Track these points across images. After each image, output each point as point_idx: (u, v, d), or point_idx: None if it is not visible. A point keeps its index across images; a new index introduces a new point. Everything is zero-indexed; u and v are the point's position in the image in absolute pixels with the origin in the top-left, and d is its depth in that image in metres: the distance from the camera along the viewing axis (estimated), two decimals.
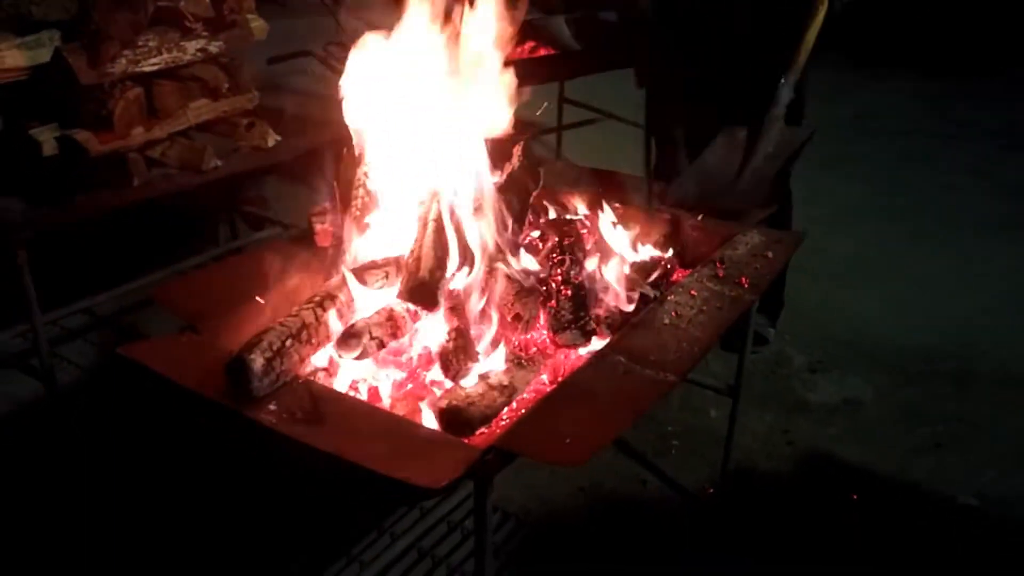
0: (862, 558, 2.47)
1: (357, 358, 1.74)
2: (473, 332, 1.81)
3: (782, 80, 2.61)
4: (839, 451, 2.92)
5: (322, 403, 1.60)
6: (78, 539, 2.39)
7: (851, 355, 3.43)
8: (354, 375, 1.81)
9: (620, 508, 2.68)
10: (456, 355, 1.76)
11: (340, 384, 1.78)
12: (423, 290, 1.80)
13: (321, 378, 1.78)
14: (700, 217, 2.35)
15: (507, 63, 1.99)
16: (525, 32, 4.28)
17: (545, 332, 1.88)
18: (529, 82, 4.30)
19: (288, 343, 1.64)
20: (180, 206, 3.44)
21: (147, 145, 2.65)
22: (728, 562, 2.44)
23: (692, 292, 1.96)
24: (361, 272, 1.88)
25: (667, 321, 1.85)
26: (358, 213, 2.06)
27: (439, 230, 1.84)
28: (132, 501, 2.46)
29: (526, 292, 1.83)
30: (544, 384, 1.80)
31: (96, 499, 2.50)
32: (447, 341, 1.78)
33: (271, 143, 2.88)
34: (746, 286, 1.99)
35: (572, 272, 1.90)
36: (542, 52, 4.20)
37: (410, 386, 1.80)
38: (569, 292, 1.86)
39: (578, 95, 4.95)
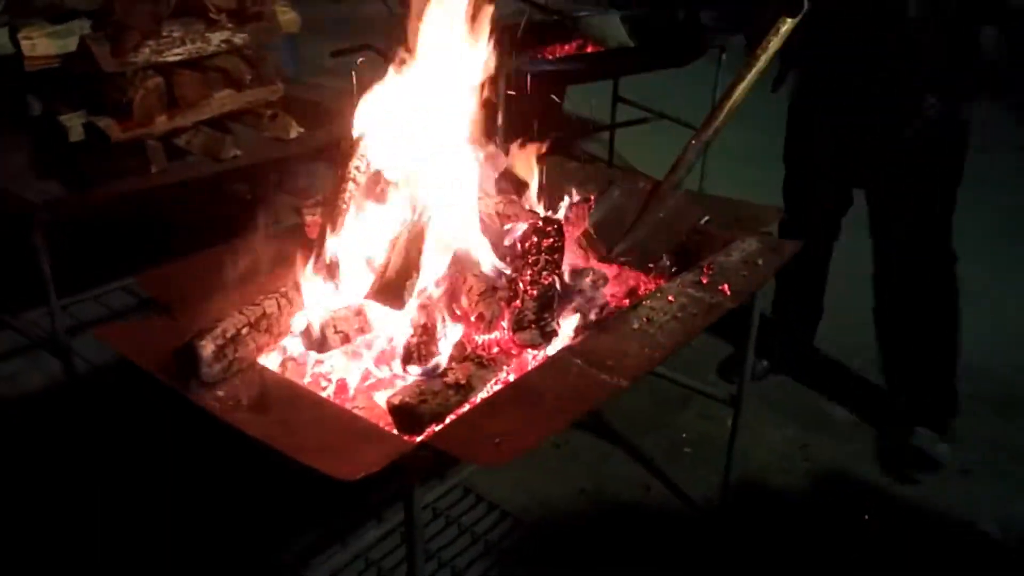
0: None
1: (319, 350, 1.76)
2: (438, 330, 1.80)
3: (692, 141, 2.25)
4: (857, 469, 2.81)
5: (271, 391, 1.62)
6: (90, 525, 2.46)
7: None
8: (324, 367, 1.83)
9: (620, 512, 2.64)
10: (417, 351, 1.76)
11: (308, 375, 1.80)
12: (389, 290, 1.80)
13: (291, 368, 1.81)
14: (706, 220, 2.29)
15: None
16: (573, 29, 4.26)
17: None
18: (574, 80, 4.30)
19: (245, 331, 1.67)
20: (223, 194, 3.55)
21: (172, 133, 2.71)
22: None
23: (670, 298, 1.90)
24: (336, 267, 1.90)
25: (636, 326, 1.80)
26: (345, 207, 2.07)
27: (415, 233, 1.85)
28: (129, 495, 2.50)
29: (490, 291, 1.82)
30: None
31: (102, 493, 2.55)
32: (411, 337, 1.78)
33: (293, 134, 2.92)
34: (728, 293, 1.93)
35: (544, 273, 1.87)
36: (589, 49, 4.17)
37: (373, 380, 1.80)
38: (535, 293, 1.83)
39: (636, 95, 4.88)
